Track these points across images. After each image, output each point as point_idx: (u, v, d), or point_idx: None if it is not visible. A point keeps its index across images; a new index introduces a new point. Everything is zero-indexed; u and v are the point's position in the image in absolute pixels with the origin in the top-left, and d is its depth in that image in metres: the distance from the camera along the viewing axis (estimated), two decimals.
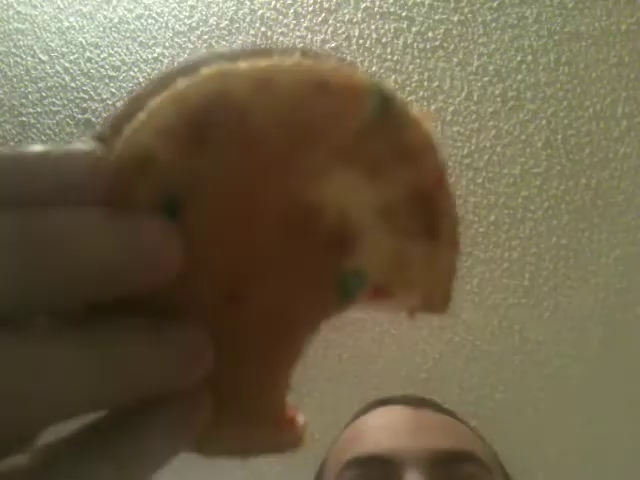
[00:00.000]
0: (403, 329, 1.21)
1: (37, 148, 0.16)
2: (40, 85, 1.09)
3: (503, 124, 1.05)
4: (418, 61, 1.02)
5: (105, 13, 1.02)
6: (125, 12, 1.02)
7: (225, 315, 0.19)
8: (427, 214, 0.20)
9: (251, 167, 0.18)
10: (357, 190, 0.19)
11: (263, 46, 0.19)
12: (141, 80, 1.05)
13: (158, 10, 1.01)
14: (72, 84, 1.08)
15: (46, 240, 0.15)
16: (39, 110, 1.11)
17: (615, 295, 1.17)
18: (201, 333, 0.18)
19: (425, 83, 1.03)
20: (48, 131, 1.12)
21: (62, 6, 1.02)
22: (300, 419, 0.22)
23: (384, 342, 1.22)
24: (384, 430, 0.53)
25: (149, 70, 1.05)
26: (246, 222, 0.19)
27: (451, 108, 1.04)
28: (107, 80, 1.07)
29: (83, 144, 0.17)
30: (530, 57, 1.00)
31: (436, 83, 1.03)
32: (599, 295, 1.17)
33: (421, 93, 1.04)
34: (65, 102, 1.10)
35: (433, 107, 1.04)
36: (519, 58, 1.00)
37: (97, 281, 0.16)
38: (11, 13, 1.03)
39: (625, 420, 1.24)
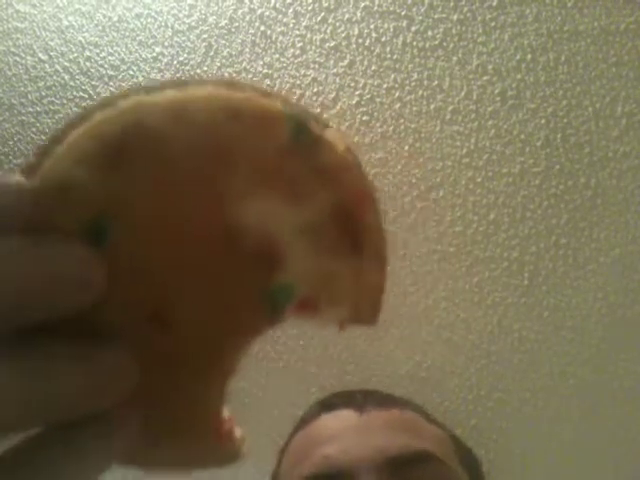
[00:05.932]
0: (403, 329, 1.20)
1: None
2: (39, 84, 1.09)
3: (502, 123, 1.05)
4: (417, 60, 1.02)
5: (104, 12, 1.02)
6: (124, 11, 1.02)
7: (154, 332, 0.20)
8: (350, 230, 0.21)
9: (170, 190, 0.19)
10: (279, 211, 0.20)
11: (179, 77, 0.20)
12: (140, 79, 1.05)
13: (157, 9, 1.01)
14: (71, 83, 1.08)
15: None
16: (38, 109, 1.11)
17: (615, 295, 1.16)
18: (125, 352, 0.18)
19: (424, 82, 1.03)
20: (47, 130, 1.12)
21: (61, 5, 1.02)
22: (237, 432, 0.23)
23: (384, 342, 1.22)
24: (331, 442, 0.51)
25: (148, 69, 1.05)
26: (171, 244, 0.20)
27: (450, 107, 1.04)
28: (106, 79, 1.07)
29: (8, 175, 0.18)
30: (529, 56, 1.00)
31: (435, 82, 1.03)
32: (599, 295, 1.17)
33: (420, 92, 1.04)
34: (64, 101, 1.10)
35: (432, 106, 1.04)
36: (518, 57, 1.00)
37: (17, 308, 0.16)
38: (10, 12, 1.03)
39: (625, 420, 1.23)
